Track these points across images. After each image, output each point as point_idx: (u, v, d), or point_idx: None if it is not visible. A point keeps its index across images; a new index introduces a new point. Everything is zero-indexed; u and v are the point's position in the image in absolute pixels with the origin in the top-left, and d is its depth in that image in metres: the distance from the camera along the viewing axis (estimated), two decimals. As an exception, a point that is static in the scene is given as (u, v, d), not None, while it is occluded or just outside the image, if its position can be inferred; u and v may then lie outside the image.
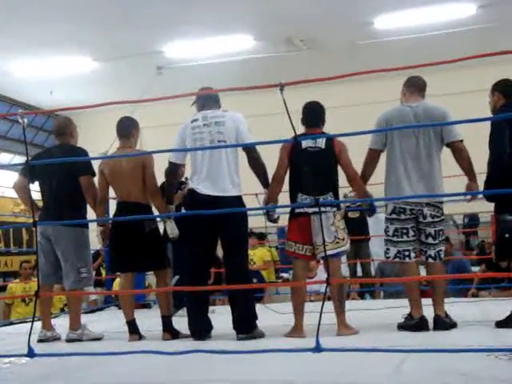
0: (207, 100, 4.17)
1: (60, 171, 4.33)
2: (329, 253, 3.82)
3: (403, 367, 2.73)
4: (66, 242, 4.33)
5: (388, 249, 4.05)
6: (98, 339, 4.33)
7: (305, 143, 3.99)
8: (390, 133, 4.02)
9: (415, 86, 4.10)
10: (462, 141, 3.98)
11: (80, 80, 9.91)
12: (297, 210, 4.02)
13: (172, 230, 4.24)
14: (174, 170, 4.25)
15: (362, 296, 7.39)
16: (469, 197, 4.10)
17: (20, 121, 3.21)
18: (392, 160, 4.02)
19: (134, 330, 4.25)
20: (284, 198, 4.17)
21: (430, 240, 3.96)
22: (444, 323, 3.85)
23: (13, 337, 4.59)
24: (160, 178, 4.42)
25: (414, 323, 3.84)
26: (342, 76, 3.07)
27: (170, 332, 4.20)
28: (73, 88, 10.16)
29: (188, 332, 4.08)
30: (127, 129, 4.45)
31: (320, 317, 2.70)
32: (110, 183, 4.38)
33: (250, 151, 4.10)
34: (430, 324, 3.86)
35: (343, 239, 4.01)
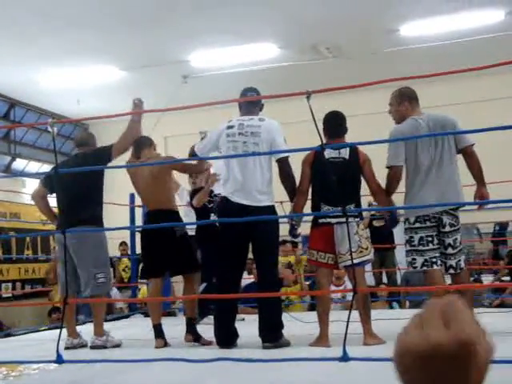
0: (246, 104, 4.16)
1: (74, 176, 4.29)
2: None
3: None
4: (81, 246, 4.32)
5: (414, 259, 3.98)
6: (118, 346, 4.36)
7: (328, 154, 3.92)
8: (408, 148, 3.98)
9: (413, 98, 4.06)
10: (473, 145, 3.96)
11: (106, 89, 10.03)
12: (320, 220, 4.00)
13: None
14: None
15: (390, 305, 7.28)
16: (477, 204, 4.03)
17: (50, 129, 3.26)
18: (411, 173, 3.98)
19: (160, 334, 4.26)
20: (305, 208, 4.17)
21: (450, 250, 3.92)
22: None
23: (41, 344, 4.64)
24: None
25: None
26: (368, 84, 3.06)
27: (193, 334, 4.23)
28: (99, 97, 10.28)
29: (212, 338, 4.08)
30: (145, 140, 4.54)
31: (347, 326, 2.68)
32: (138, 193, 4.46)
33: (282, 164, 4.05)
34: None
35: (367, 248, 3.98)
